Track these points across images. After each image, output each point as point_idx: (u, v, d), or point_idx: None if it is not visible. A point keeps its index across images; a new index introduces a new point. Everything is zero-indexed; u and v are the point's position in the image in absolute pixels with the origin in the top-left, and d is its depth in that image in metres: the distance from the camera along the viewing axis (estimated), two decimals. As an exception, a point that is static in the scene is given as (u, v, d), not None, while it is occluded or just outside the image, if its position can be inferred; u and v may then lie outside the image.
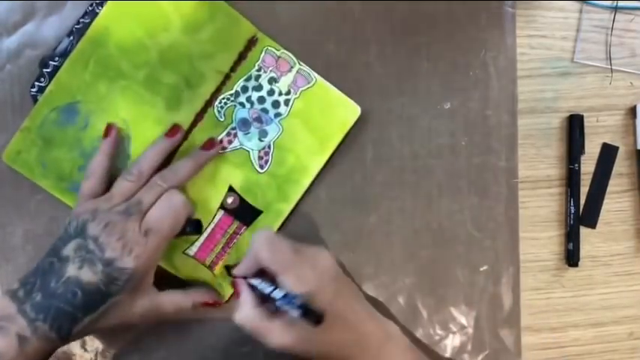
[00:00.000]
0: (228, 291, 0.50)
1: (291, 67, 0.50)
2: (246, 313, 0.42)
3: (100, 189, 0.46)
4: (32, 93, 0.48)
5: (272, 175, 0.50)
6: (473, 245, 0.53)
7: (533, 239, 0.54)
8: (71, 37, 0.48)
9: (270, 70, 0.50)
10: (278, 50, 0.49)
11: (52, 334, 0.41)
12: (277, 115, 0.50)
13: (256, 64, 0.49)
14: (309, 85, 0.50)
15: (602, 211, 0.54)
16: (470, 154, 0.52)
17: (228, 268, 0.49)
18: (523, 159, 0.53)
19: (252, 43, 0.49)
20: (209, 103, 0.49)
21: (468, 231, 0.53)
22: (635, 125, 0.54)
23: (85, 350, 0.50)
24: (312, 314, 0.37)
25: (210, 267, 0.50)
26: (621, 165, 0.54)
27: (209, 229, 0.49)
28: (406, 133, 0.52)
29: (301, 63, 0.50)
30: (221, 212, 0.50)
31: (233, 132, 0.49)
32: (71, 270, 0.41)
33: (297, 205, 0.50)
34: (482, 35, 0.52)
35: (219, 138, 0.49)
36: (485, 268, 0.53)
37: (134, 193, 0.45)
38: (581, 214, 0.54)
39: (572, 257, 0.53)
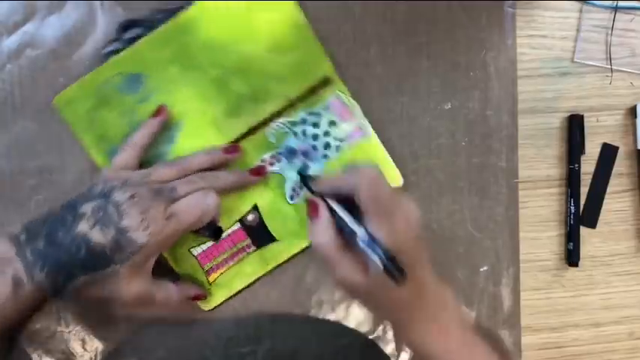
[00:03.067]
0: (214, 302, 0.50)
1: (354, 118, 0.50)
2: (324, 236, 0.40)
3: (133, 163, 0.46)
4: (105, 52, 0.48)
5: (299, 209, 0.50)
6: (473, 245, 0.53)
7: (533, 239, 0.54)
8: (160, 16, 0.48)
9: (334, 113, 0.50)
10: (347, 98, 0.50)
11: (46, 284, 0.40)
12: (325, 156, 0.50)
13: (323, 103, 0.50)
14: (363, 139, 0.50)
15: (602, 211, 0.54)
16: (470, 155, 0.52)
17: (305, 179, 0.47)
18: (523, 159, 0.53)
19: (326, 82, 0.50)
20: (266, 122, 0.49)
21: (468, 231, 0.53)
22: (635, 125, 0.54)
23: (85, 350, 0.50)
24: (396, 271, 0.35)
25: (207, 272, 0.50)
26: (621, 165, 0.54)
27: (220, 237, 0.50)
28: (406, 133, 0.52)
29: (364, 117, 0.50)
30: (238, 225, 0.50)
31: (278, 156, 0.50)
32: (83, 226, 0.41)
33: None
34: (483, 35, 0.52)
35: (263, 157, 0.50)
36: (485, 268, 0.53)
37: (170, 182, 0.45)
38: (581, 214, 0.54)
39: (572, 257, 0.53)
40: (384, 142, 0.51)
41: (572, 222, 0.53)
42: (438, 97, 0.52)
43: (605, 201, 0.54)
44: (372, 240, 0.37)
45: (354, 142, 0.50)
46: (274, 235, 0.50)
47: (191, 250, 0.49)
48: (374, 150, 0.50)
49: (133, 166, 0.46)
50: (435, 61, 0.52)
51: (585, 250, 0.54)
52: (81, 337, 0.50)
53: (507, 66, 0.52)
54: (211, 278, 0.50)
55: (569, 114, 0.53)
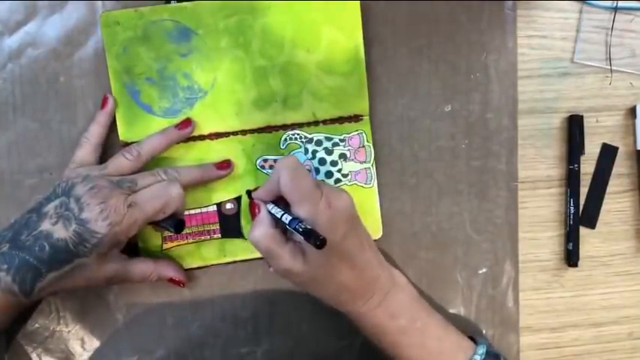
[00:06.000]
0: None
1: (365, 162, 0.51)
2: (260, 231, 0.43)
3: (92, 158, 0.46)
4: None
5: None
6: (472, 248, 0.53)
7: (533, 239, 0.54)
8: None
9: (348, 149, 0.50)
10: (368, 141, 0.50)
11: (15, 287, 0.41)
12: (325, 180, 0.51)
13: (343, 135, 0.50)
14: (365, 184, 0.51)
15: (602, 211, 0.54)
16: (470, 157, 0.52)
17: (249, 193, 0.48)
18: (523, 159, 0.53)
19: (357, 118, 0.50)
20: (284, 127, 0.50)
21: (468, 233, 0.53)
22: (635, 125, 0.54)
23: (85, 349, 0.50)
24: (314, 236, 0.38)
25: (165, 239, 0.49)
26: (621, 165, 0.55)
27: (192, 212, 0.49)
28: (406, 135, 0.52)
29: (374, 165, 0.51)
30: (214, 208, 0.50)
31: None
32: (45, 225, 0.41)
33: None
34: (483, 38, 0.52)
35: (266, 158, 0.50)
36: (484, 270, 0.53)
37: (128, 173, 0.45)
38: (580, 214, 0.54)
39: (571, 257, 0.53)
40: (384, 144, 0.51)
41: (571, 222, 0.53)
42: (439, 99, 0.52)
43: (604, 201, 0.54)
44: (295, 219, 0.41)
45: (355, 183, 0.51)
46: (243, 232, 0.50)
47: None
48: (369, 199, 0.51)
49: (93, 162, 0.46)
50: (435, 63, 0.52)
51: (585, 250, 0.54)
52: (80, 337, 0.50)
53: (508, 69, 0.52)
54: (166, 246, 0.50)
55: (569, 114, 0.54)
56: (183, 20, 0.48)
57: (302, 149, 0.50)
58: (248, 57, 0.49)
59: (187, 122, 0.48)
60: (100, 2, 0.49)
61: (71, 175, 0.44)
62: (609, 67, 0.54)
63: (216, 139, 0.49)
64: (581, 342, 0.55)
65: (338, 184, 0.50)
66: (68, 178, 0.44)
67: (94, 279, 0.43)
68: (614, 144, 0.54)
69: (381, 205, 0.51)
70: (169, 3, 0.48)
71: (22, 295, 0.41)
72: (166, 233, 0.49)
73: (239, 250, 0.50)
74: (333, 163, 0.50)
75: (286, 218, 0.42)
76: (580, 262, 0.53)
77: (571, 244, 0.53)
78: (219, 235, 0.50)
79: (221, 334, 0.51)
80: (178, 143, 0.49)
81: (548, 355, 0.54)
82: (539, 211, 0.54)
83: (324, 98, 0.50)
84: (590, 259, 0.54)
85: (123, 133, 0.48)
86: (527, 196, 0.54)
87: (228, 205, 0.50)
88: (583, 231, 0.54)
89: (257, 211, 0.45)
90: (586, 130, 0.53)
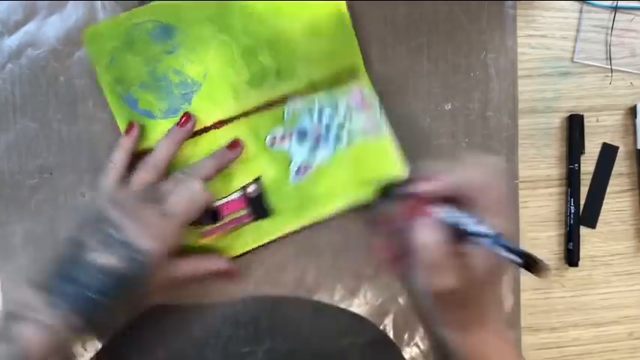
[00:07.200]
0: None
1: (372, 112, 0.50)
2: (434, 237, 0.36)
3: (117, 183, 0.46)
4: None
5: (300, 189, 0.50)
6: (473, 246, 0.53)
7: (533, 239, 0.54)
8: None
9: (355, 104, 0.50)
10: (370, 92, 0.50)
11: (78, 321, 0.41)
12: (336, 145, 0.50)
13: (346, 93, 0.50)
14: (377, 134, 0.50)
15: (602, 211, 0.54)
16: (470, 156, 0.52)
17: (389, 189, 0.41)
18: (523, 159, 0.53)
19: (353, 74, 0.50)
20: (284, 100, 0.49)
21: (468, 231, 0.53)
22: (635, 125, 0.54)
23: (85, 350, 0.50)
24: (536, 262, 0.33)
25: (202, 234, 0.49)
26: (621, 165, 0.55)
27: (218, 203, 0.49)
28: (406, 133, 0.52)
29: (382, 113, 0.50)
30: (238, 194, 0.50)
31: (288, 135, 0.50)
32: (91, 255, 0.41)
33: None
34: (483, 37, 0.52)
35: (274, 132, 0.50)
36: (485, 268, 0.53)
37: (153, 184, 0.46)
38: (581, 214, 0.54)
39: (572, 257, 0.53)
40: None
41: (572, 222, 0.53)
42: (439, 97, 0.52)
43: (605, 201, 0.54)
44: (498, 235, 0.34)
45: (367, 137, 0.50)
46: (273, 209, 0.50)
47: None
48: (386, 146, 0.50)
49: (116, 186, 0.46)
50: (435, 62, 0.52)
51: (585, 250, 0.54)
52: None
53: (508, 67, 0.52)
54: (203, 242, 0.50)
55: (569, 114, 0.54)
56: (162, 18, 0.48)
57: (307, 116, 0.50)
58: (233, 39, 0.48)
59: (187, 117, 0.48)
60: (99, 2, 0.49)
61: (98, 200, 0.45)
62: (609, 66, 0.54)
63: (221, 127, 0.49)
64: (581, 342, 0.55)
65: (351, 143, 0.50)
66: (97, 203, 0.44)
67: (149, 294, 0.44)
68: (615, 143, 0.54)
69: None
70: (146, 3, 0.48)
71: (86, 327, 0.41)
72: (205, 228, 0.49)
73: (273, 229, 0.50)
74: (341, 124, 0.50)
75: (486, 231, 0.35)
76: (580, 262, 0.53)
77: (571, 243, 0.53)
78: (252, 219, 0.50)
79: (222, 334, 0.51)
80: (187, 139, 0.48)
81: (549, 354, 0.54)
82: (540, 210, 0.54)
83: (316, 61, 0.49)
84: (590, 258, 0.54)
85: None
86: (528, 195, 0.54)
87: (250, 189, 0.50)
88: (583, 231, 0.54)
89: (419, 208, 0.37)
90: (586, 130, 0.53)
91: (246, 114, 0.49)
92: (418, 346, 0.52)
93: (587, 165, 0.54)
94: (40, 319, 0.40)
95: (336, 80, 0.50)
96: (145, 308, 0.46)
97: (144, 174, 0.46)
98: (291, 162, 0.50)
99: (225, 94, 0.49)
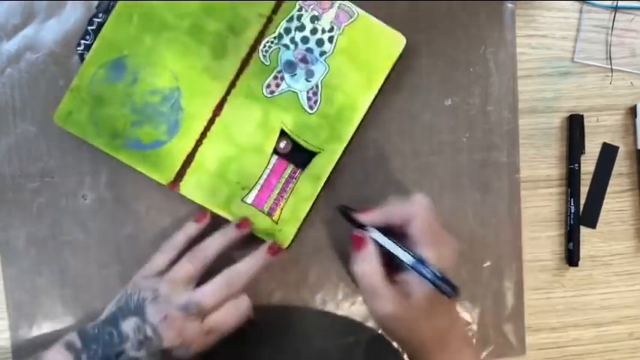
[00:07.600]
0: (288, 237, 0.49)
1: (332, 4, 0.49)
2: (370, 267, 0.41)
3: (166, 265, 0.46)
4: (79, 51, 0.48)
5: (323, 115, 0.49)
6: (476, 241, 0.53)
7: (533, 239, 0.54)
8: None
9: (312, 9, 0.49)
10: None
11: None
12: (322, 53, 0.49)
13: (297, 4, 0.49)
14: (351, 20, 0.49)
15: (602, 211, 0.54)
16: (471, 150, 0.52)
17: (343, 209, 0.47)
18: (523, 159, 0.53)
19: None
20: (254, 48, 0.49)
21: (471, 227, 0.53)
22: (635, 125, 0.54)
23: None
24: (448, 286, 0.38)
25: (269, 213, 0.49)
26: (621, 165, 0.55)
27: (264, 176, 0.49)
28: (407, 130, 0.52)
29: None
30: (275, 157, 0.49)
31: (280, 75, 0.49)
32: (130, 350, 0.42)
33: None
34: (482, 31, 0.52)
35: (267, 82, 0.49)
36: (488, 264, 0.53)
37: (193, 277, 0.45)
38: (581, 213, 0.54)
39: (572, 257, 0.53)
40: (385, 140, 0.51)
41: (572, 222, 0.53)
42: (438, 93, 0.52)
43: (605, 201, 0.54)
44: (422, 262, 0.39)
45: (343, 26, 0.49)
46: (312, 149, 0.49)
47: (244, 199, 0.49)
48: (367, 25, 0.49)
49: (163, 268, 0.46)
50: (435, 57, 0.52)
51: (585, 250, 0.54)
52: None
53: (507, 61, 0.52)
54: (275, 217, 0.49)
55: (569, 114, 0.53)
56: (104, 58, 0.47)
57: (282, 48, 0.49)
58: (173, 30, 0.48)
59: (245, 222, 0.48)
60: (95, 3, 0.48)
61: (141, 285, 0.44)
62: (609, 66, 0.54)
63: (221, 110, 0.49)
64: (581, 342, 0.55)
65: (334, 42, 0.49)
66: (140, 287, 0.44)
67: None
68: (615, 143, 0.54)
69: (382, 202, 0.51)
70: (83, 58, 0.47)
71: None
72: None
73: (324, 165, 0.49)
74: (314, 31, 0.49)
75: (409, 258, 0.40)
76: (580, 262, 0.53)
77: (571, 243, 0.53)
78: (301, 170, 0.49)
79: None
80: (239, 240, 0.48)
81: (549, 354, 0.55)
82: (540, 210, 0.54)
83: None
84: (590, 258, 0.55)
85: (160, 178, 0.48)
86: (528, 195, 0.54)
87: (282, 145, 0.49)
88: (583, 230, 0.54)
89: (361, 241, 0.43)
90: (586, 130, 0.53)
91: (232, 84, 0.49)
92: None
93: (588, 165, 0.54)
94: None
95: None
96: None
97: (189, 265, 0.45)
98: (298, 96, 0.49)
99: (204, 81, 0.48)
